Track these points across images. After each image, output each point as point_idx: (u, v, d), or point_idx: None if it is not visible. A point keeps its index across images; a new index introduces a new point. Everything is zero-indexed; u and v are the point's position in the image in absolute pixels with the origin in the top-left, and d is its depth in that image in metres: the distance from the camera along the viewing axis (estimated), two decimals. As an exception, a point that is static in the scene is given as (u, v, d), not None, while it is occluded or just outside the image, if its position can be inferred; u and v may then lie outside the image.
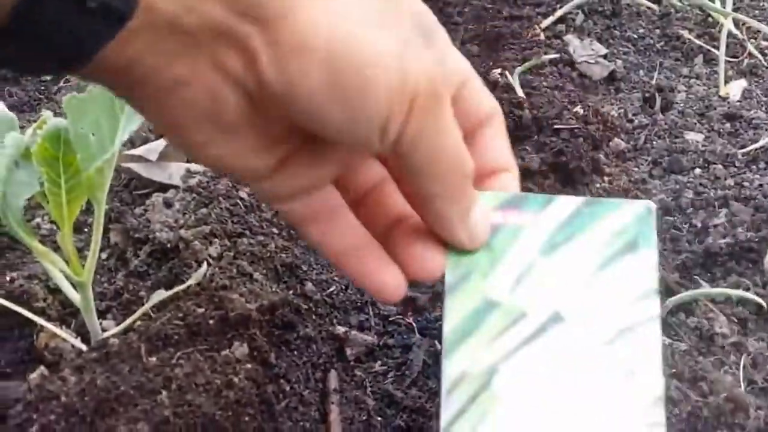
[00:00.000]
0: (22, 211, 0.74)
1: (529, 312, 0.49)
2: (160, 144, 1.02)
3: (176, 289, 0.82)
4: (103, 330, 0.86)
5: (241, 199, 0.96)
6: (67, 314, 0.90)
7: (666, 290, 0.85)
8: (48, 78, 1.28)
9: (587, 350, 0.48)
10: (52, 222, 1.00)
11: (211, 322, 0.80)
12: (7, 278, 0.92)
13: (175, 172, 0.99)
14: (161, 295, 0.82)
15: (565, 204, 0.51)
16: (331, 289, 0.95)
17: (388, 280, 0.49)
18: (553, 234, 0.50)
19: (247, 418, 0.73)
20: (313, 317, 0.90)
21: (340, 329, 0.91)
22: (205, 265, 0.81)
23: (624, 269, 0.50)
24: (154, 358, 0.75)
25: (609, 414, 0.46)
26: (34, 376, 0.82)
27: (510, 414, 0.47)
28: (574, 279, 0.50)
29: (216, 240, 0.90)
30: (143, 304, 0.86)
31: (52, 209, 0.75)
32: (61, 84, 1.22)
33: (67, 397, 0.73)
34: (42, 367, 0.84)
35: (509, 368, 0.48)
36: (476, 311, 0.49)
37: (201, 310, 0.81)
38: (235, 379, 0.75)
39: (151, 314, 0.82)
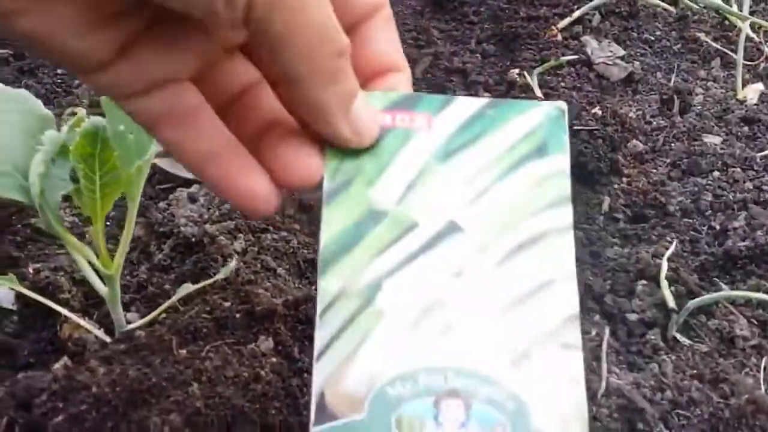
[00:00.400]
0: (58, 206, 0.75)
1: (420, 222, 0.44)
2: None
3: (203, 283, 0.83)
4: (128, 322, 0.88)
5: (266, 194, 0.97)
6: (90, 306, 0.91)
7: (687, 292, 0.86)
8: (65, 71, 1.29)
9: (488, 263, 0.44)
10: (73, 215, 1.01)
11: (237, 316, 0.81)
12: (30, 270, 0.93)
13: (199, 167, 1.01)
14: (188, 288, 0.83)
15: (466, 105, 0.46)
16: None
17: (255, 188, 0.44)
18: (451, 138, 0.46)
19: (273, 411, 0.74)
20: (335, 313, 0.91)
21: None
22: (234, 260, 0.82)
23: (531, 175, 0.45)
24: (184, 351, 0.76)
25: (515, 333, 0.42)
26: (57, 366, 0.84)
27: (396, 333, 0.42)
28: (474, 186, 0.45)
29: (240, 235, 0.91)
30: (168, 298, 0.87)
31: (87, 204, 0.76)
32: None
33: (98, 387, 0.74)
34: (65, 358, 0.85)
35: (396, 283, 0.43)
36: (358, 223, 0.44)
37: (227, 304, 0.82)
38: (262, 373, 0.76)
39: (179, 307, 0.83)
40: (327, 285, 0.43)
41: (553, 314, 0.43)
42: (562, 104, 0.48)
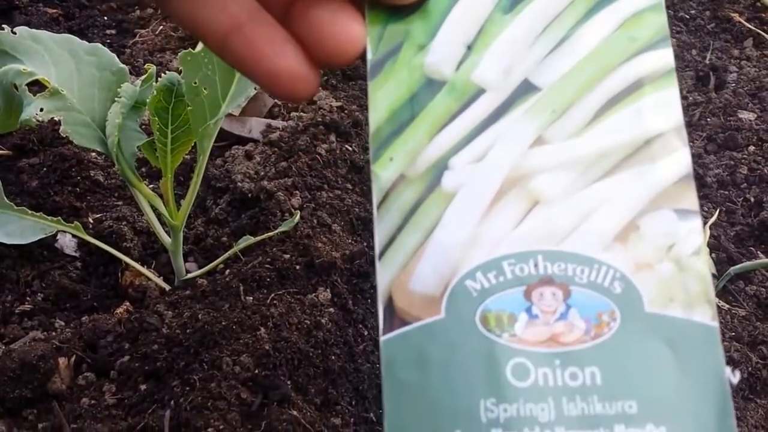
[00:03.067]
0: (134, 156, 0.79)
1: (487, 86, 0.37)
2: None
3: (264, 235, 0.87)
4: (186, 271, 0.92)
5: (320, 154, 1.00)
6: (150, 255, 0.95)
7: (728, 259, 0.90)
8: (114, 31, 1.32)
9: (576, 123, 0.37)
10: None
11: (297, 267, 0.85)
12: (91, 219, 0.97)
13: (255, 126, 1.04)
14: (248, 240, 0.87)
15: None
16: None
17: (289, 65, 0.37)
18: None
19: (333, 357, 0.78)
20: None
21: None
22: (298, 214, 0.85)
23: (617, 15, 0.38)
24: (250, 298, 0.80)
25: (617, 202, 0.36)
26: (120, 311, 0.88)
27: (471, 217, 0.36)
28: (549, 37, 0.38)
29: (297, 192, 0.94)
30: (225, 250, 0.91)
31: (159, 157, 0.80)
32: (137, 38, 1.26)
33: (169, 329, 0.78)
34: (127, 303, 0.89)
35: (465, 160, 0.37)
36: (411, 95, 0.38)
37: (287, 256, 0.86)
38: (323, 321, 0.80)
39: (240, 257, 0.87)
40: (382, 171, 0.37)
41: (663, 175, 0.35)
42: None
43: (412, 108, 0.37)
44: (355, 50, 0.37)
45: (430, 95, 0.38)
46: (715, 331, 0.34)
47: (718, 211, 0.98)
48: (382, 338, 0.35)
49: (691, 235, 0.35)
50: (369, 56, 0.38)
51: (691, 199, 0.35)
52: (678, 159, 0.36)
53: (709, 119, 1.16)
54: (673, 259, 0.34)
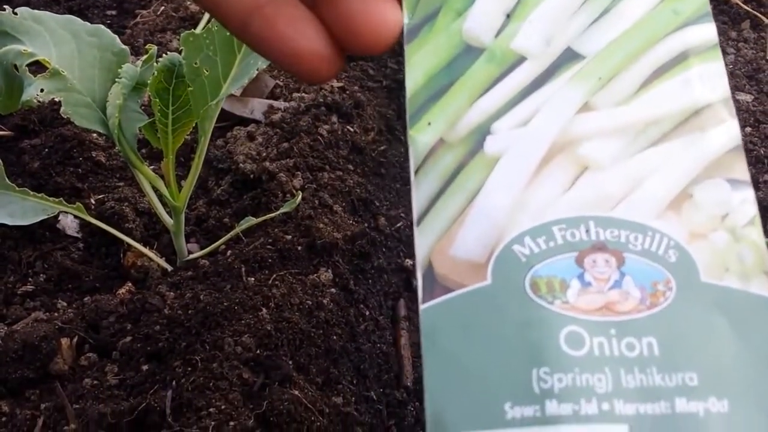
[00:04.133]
0: (135, 138, 0.79)
1: (529, 53, 0.37)
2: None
3: (266, 216, 0.87)
4: (188, 252, 0.92)
5: (321, 135, 1.00)
6: (151, 236, 0.95)
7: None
8: (114, 11, 1.32)
9: (622, 92, 0.36)
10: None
11: (299, 248, 0.85)
12: (93, 200, 0.97)
13: (256, 107, 1.04)
14: (250, 221, 0.87)
15: None
16: (399, 225, 1.00)
17: (311, 46, 0.36)
18: None
19: (334, 337, 0.78)
20: (384, 250, 0.96)
21: (408, 262, 0.97)
22: (300, 195, 0.86)
23: None
24: (252, 278, 0.80)
25: (668, 171, 0.35)
26: (122, 291, 0.88)
27: (516, 181, 0.35)
28: (592, 7, 0.38)
29: (298, 173, 0.95)
30: (227, 231, 0.91)
31: (160, 138, 0.80)
32: (138, 19, 1.26)
33: (171, 310, 0.78)
34: (129, 284, 0.89)
35: (508, 125, 0.36)
36: (450, 62, 0.37)
37: (289, 237, 0.86)
38: (324, 302, 0.80)
39: (242, 238, 0.87)
40: (420, 136, 0.36)
41: (714, 144, 0.35)
42: None
43: (450, 73, 0.37)
44: (390, 38, 0.36)
45: (469, 61, 0.37)
46: None
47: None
48: (422, 306, 0.34)
49: (745, 205, 0.34)
50: (405, 20, 0.38)
51: (742, 169, 0.35)
52: (728, 129, 0.35)
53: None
54: (727, 228, 0.34)
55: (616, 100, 0.36)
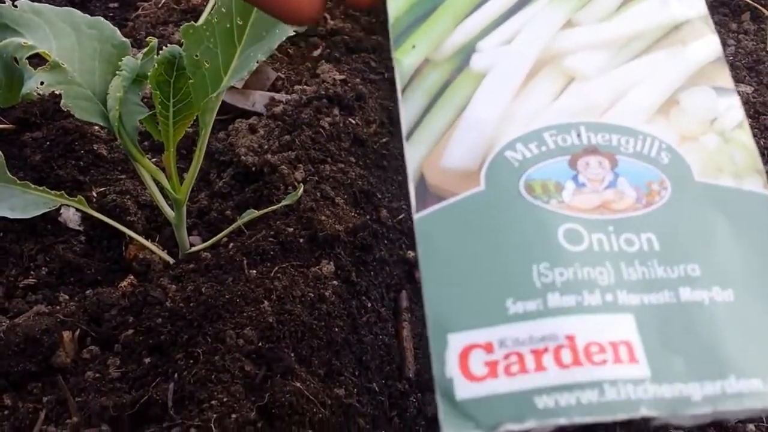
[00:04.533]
0: (136, 130, 0.78)
1: None
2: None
3: (268, 209, 0.87)
4: (190, 245, 0.92)
5: (323, 128, 1.00)
6: (153, 229, 0.95)
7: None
8: (116, 4, 1.32)
9: (604, 8, 0.37)
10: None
11: (301, 240, 0.85)
12: (94, 193, 0.97)
13: (258, 100, 1.04)
14: (252, 213, 0.87)
15: None
16: (401, 217, 1.00)
17: None
18: None
19: (336, 329, 0.78)
20: (386, 242, 0.95)
21: (410, 254, 0.97)
22: (301, 187, 0.85)
23: None
24: (254, 271, 0.80)
25: (654, 79, 0.36)
26: (124, 284, 0.88)
27: (505, 92, 0.36)
28: None
29: (300, 165, 0.94)
30: (229, 223, 0.91)
31: (161, 131, 0.79)
32: (139, 11, 1.25)
33: (173, 302, 0.78)
34: (131, 276, 0.89)
35: (494, 42, 0.37)
36: None
37: (291, 230, 0.86)
38: (326, 294, 0.80)
39: (244, 231, 0.87)
40: (405, 58, 0.37)
41: (696, 55, 0.36)
42: None
43: None
44: None
45: None
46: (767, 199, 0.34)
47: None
48: (416, 216, 0.34)
49: (731, 110, 0.35)
50: None
51: (726, 78, 0.35)
52: (708, 42, 0.36)
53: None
54: (716, 131, 0.35)
55: (598, 18, 0.37)
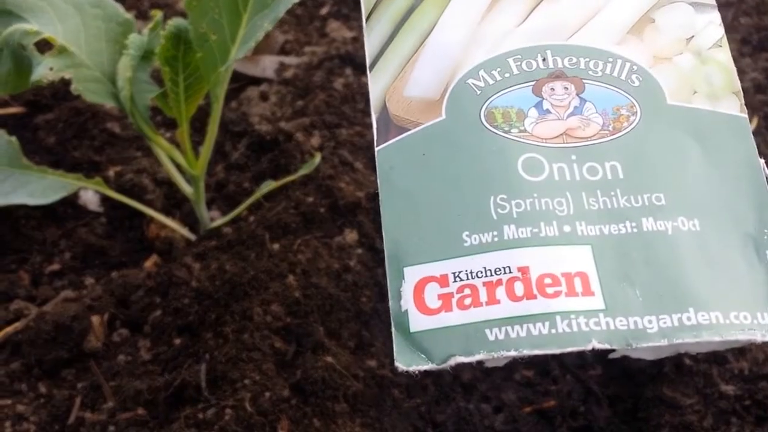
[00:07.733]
0: (148, 109, 0.77)
1: None
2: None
3: (286, 179, 0.86)
4: (211, 219, 0.91)
5: (336, 90, 0.98)
6: (173, 206, 0.94)
7: None
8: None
9: None
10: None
11: (322, 210, 0.84)
12: (112, 173, 0.96)
13: (268, 65, 1.02)
14: (270, 185, 0.86)
15: None
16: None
17: None
18: None
19: (364, 299, 0.78)
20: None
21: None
22: (318, 155, 0.84)
23: None
24: (276, 245, 0.79)
25: None
26: (148, 264, 0.87)
27: (469, 18, 0.34)
28: None
29: (316, 131, 0.93)
30: (247, 195, 0.90)
31: (173, 107, 0.78)
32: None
33: (198, 282, 0.78)
34: (155, 256, 0.89)
35: None
36: None
37: (311, 199, 0.85)
38: (351, 263, 0.79)
39: (263, 203, 0.86)
40: None
41: None
42: None
43: None
44: None
45: None
46: (744, 122, 0.33)
47: (757, 118, 0.94)
48: (378, 148, 0.34)
49: (710, 27, 0.34)
50: None
51: None
52: None
53: (742, 20, 1.11)
54: (692, 50, 0.34)
55: None
